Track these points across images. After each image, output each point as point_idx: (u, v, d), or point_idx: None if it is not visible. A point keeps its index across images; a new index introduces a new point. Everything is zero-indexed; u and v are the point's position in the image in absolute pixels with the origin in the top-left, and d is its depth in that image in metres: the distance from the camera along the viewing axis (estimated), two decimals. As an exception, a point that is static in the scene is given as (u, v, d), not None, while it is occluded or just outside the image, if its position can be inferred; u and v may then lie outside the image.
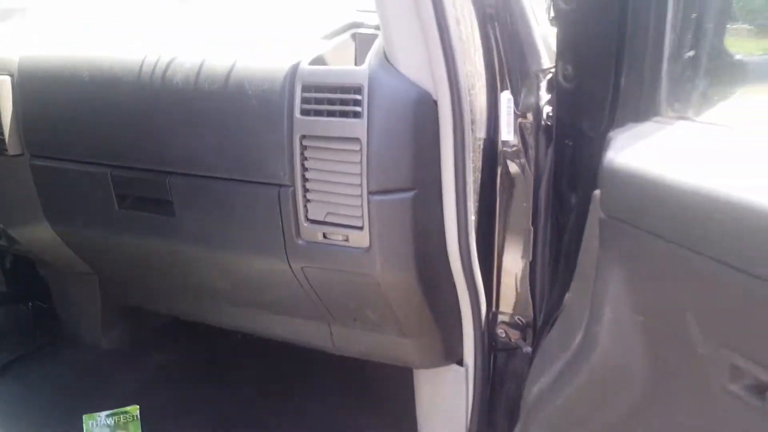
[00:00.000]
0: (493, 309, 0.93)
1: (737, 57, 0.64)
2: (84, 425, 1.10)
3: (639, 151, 0.54)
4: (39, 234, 1.05)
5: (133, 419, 1.13)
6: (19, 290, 1.34)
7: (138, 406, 1.14)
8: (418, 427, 1.03)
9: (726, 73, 0.63)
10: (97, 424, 1.11)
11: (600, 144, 0.59)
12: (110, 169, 0.91)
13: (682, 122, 0.57)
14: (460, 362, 0.93)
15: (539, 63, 0.79)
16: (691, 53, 0.58)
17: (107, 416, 1.12)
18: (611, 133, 0.59)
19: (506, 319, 0.95)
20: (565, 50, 0.66)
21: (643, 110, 0.59)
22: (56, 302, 1.29)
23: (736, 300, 0.46)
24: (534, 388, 0.77)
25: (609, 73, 0.61)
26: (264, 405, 1.20)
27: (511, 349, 0.95)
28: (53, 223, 1.02)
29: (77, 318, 1.25)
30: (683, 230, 0.49)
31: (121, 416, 1.13)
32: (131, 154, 0.88)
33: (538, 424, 0.75)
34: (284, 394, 1.21)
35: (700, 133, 0.56)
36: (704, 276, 0.48)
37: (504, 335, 0.95)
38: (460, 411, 0.95)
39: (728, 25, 0.62)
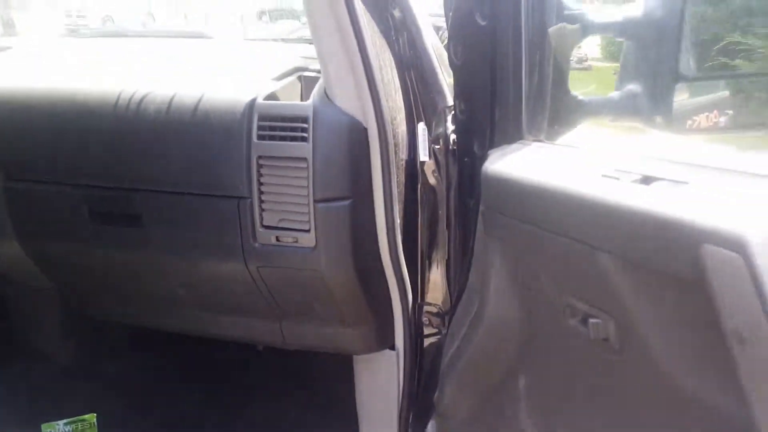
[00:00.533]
0: (419, 300, 1.17)
1: (578, 96, 0.93)
2: (43, 433, 1.23)
3: (505, 162, 0.81)
4: (6, 251, 1.20)
5: (91, 426, 1.27)
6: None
7: (95, 414, 1.28)
8: (357, 410, 1.24)
9: (569, 108, 0.92)
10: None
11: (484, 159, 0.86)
12: (84, 188, 1.09)
13: (537, 143, 0.84)
14: (392, 347, 1.16)
15: (445, 101, 1.06)
16: (542, 94, 0.86)
17: (65, 424, 1.25)
18: (490, 152, 0.85)
19: (430, 308, 1.19)
20: (459, 92, 0.93)
21: (511, 135, 0.86)
22: (14, 318, 1.41)
23: (564, 257, 0.72)
24: (448, 354, 1.01)
25: (487, 108, 0.88)
26: (215, 408, 1.37)
27: (434, 335, 1.20)
28: (22, 241, 1.17)
29: (36, 332, 1.39)
30: (533, 214, 0.75)
31: (79, 424, 1.26)
32: (105, 175, 1.07)
33: (450, 381, 0.99)
34: (235, 395, 1.39)
35: (548, 151, 0.83)
36: (546, 244, 0.74)
37: (428, 322, 1.19)
38: (393, 389, 1.17)
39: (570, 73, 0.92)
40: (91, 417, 1.27)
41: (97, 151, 1.07)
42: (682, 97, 1.08)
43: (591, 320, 0.69)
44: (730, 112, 1.05)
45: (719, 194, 0.57)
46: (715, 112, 1.05)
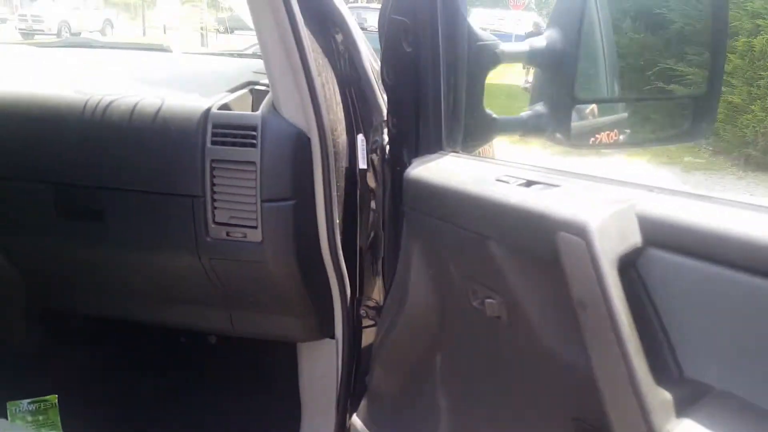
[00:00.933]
0: (357, 295, 1.29)
1: (492, 115, 1.07)
2: (8, 411, 1.30)
3: (423, 169, 0.93)
4: (-25, 244, 1.28)
5: (53, 406, 1.34)
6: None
7: (56, 396, 1.36)
8: (300, 395, 1.35)
9: (482, 125, 1.05)
10: (19, 410, 1.31)
11: (410, 167, 0.98)
12: (52, 185, 1.18)
13: (453, 154, 0.97)
14: (332, 336, 1.27)
15: (381, 115, 1.18)
16: (457, 112, 1.00)
17: (29, 403, 1.33)
18: (414, 160, 0.98)
19: (368, 303, 1.30)
20: (390, 108, 1.06)
21: (432, 147, 0.99)
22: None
23: (466, 247, 0.84)
24: (378, 339, 1.13)
25: (413, 123, 1.01)
26: (170, 395, 1.46)
27: (371, 326, 1.31)
28: (-8, 234, 1.25)
29: (2, 320, 1.45)
30: (442, 211, 0.87)
31: (41, 404, 1.34)
32: (72, 173, 1.16)
33: (378, 363, 1.11)
34: (188, 383, 1.48)
35: (460, 160, 0.96)
36: (453, 237, 0.86)
37: (365, 315, 1.30)
38: (332, 375, 1.28)
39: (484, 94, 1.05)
40: (53, 398, 1.34)
41: (65, 152, 1.16)
42: (588, 118, 1.24)
43: (487, 300, 0.81)
44: (628, 131, 1.20)
45: (578, 195, 0.71)
46: (615, 131, 1.21)
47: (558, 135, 1.06)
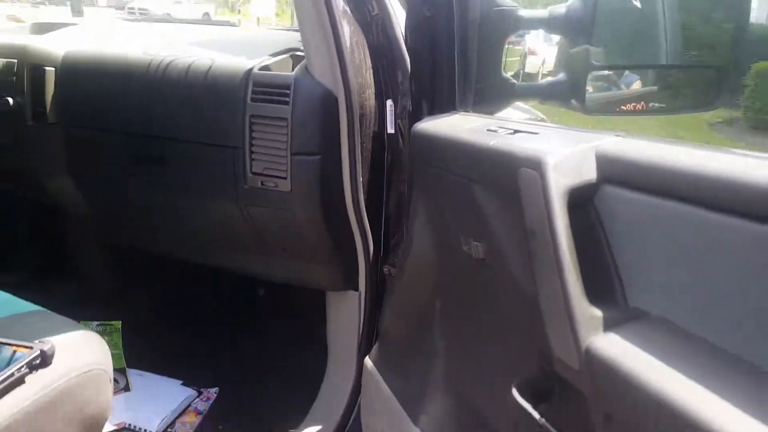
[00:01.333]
0: (381, 253, 1.35)
1: (511, 80, 1.10)
2: (79, 329, 1.49)
3: (429, 124, 0.99)
4: (63, 184, 1.48)
5: (116, 330, 1.53)
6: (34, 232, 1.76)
7: (120, 321, 1.54)
8: (327, 340, 1.44)
9: (501, 89, 1.08)
10: (90, 329, 1.50)
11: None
12: (125, 135, 1.35)
13: (463, 113, 1.02)
14: (356, 289, 1.35)
15: (408, 83, 1.25)
16: (470, 76, 1.04)
17: (97, 325, 1.52)
18: (425, 118, 1.04)
19: (391, 262, 1.37)
20: (412, 71, 1.12)
21: (446, 107, 1.04)
22: (62, 241, 1.70)
23: (456, 192, 0.89)
24: (390, 290, 1.19)
25: (429, 86, 1.06)
26: (218, 334, 1.60)
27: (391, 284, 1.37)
28: (74, 175, 1.44)
29: (77, 254, 1.66)
30: (439, 160, 0.92)
31: (108, 327, 1.52)
32: (141, 124, 1.32)
33: (388, 309, 1.17)
34: (237, 324, 1.62)
35: (467, 117, 1.01)
36: (447, 183, 0.91)
37: (387, 272, 1.37)
38: (354, 324, 1.36)
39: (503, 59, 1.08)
40: (117, 323, 1.52)
41: (134, 105, 1.32)
42: (614, 89, 1.24)
43: (473, 243, 0.86)
44: (656, 104, 1.19)
45: (550, 139, 0.74)
46: (642, 103, 1.20)
47: (574, 101, 1.07)
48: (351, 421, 1.35)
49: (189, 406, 1.43)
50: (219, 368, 1.55)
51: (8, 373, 0.80)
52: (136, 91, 1.32)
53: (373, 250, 1.30)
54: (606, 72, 1.24)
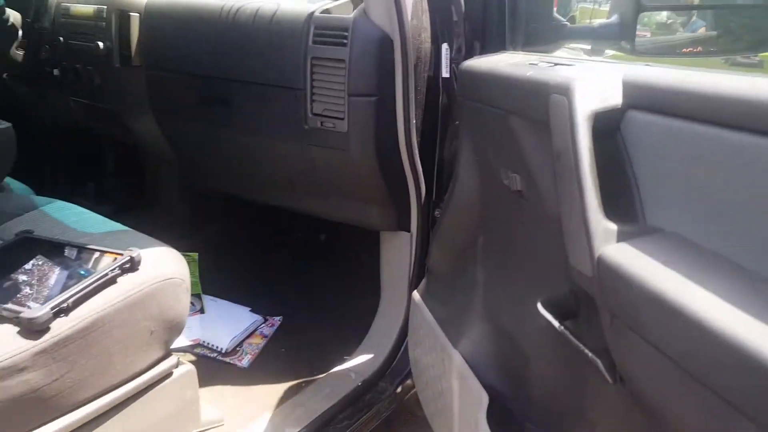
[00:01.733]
0: (433, 196, 1.41)
1: (562, 21, 1.11)
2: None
3: (477, 62, 1.02)
4: (146, 125, 1.64)
5: (194, 261, 1.69)
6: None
7: (197, 253, 1.70)
8: (380, 277, 1.53)
9: (552, 30, 1.10)
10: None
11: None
12: (197, 77, 1.47)
13: (512, 52, 1.05)
14: (408, 230, 1.42)
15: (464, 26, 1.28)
16: (519, 17, 1.06)
17: (177, 255, 1.68)
18: (476, 57, 1.08)
19: (441, 204, 1.43)
20: (466, 14, 1.15)
21: (496, 47, 1.07)
22: (148, 182, 1.88)
23: (496, 126, 0.93)
24: (436, 227, 1.26)
25: (482, 27, 1.09)
26: (280, 264, 1.74)
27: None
28: (156, 116, 1.59)
29: (161, 195, 1.84)
30: (480, 94, 0.96)
31: (186, 257, 1.67)
32: (210, 67, 1.44)
33: (435, 245, 1.24)
34: (294, 251, 1.75)
35: (515, 56, 1.04)
36: (488, 117, 0.95)
37: (438, 215, 1.43)
38: (406, 263, 1.44)
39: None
40: (195, 255, 1.68)
41: (207, 49, 1.44)
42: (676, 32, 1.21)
43: (511, 175, 0.91)
44: (713, 49, 1.16)
45: (580, 70, 0.77)
46: (699, 48, 1.17)
47: (623, 43, 1.07)
48: (401, 352, 1.45)
49: (255, 330, 1.58)
50: (283, 299, 1.70)
51: (103, 273, 0.95)
52: (208, 36, 1.43)
53: (425, 193, 1.36)
54: (666, 20, 1.22)
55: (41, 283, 0.96)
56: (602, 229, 0.63)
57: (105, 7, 1.59)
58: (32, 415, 0.90)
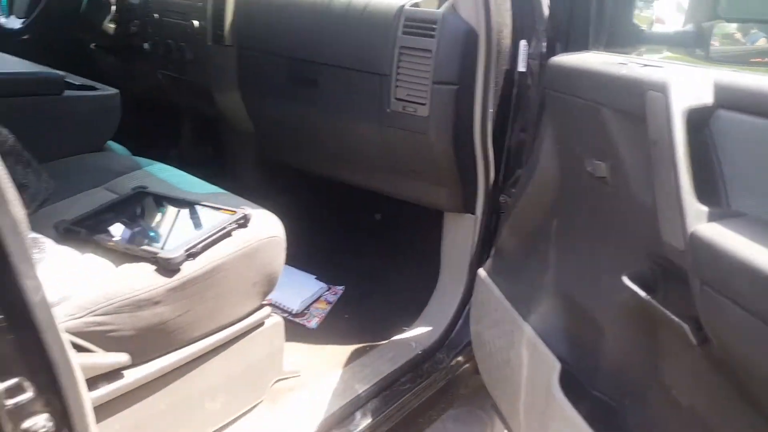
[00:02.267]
0: (500, 182, 1.53)
1: (640, 26, 1.21)
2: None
3: (565, 58, 1.13)
4: (231, 100, 1.78)
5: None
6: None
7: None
8: (441, 256, 1.65)
9: (630, 34, 1.20)
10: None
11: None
12: (286, 59, 1.60)
13: (595, 51, 1.15)
14: (474, 213, 1.54)
15: (544, 25, 1.38)
16: (603, 20, 1.16)
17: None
18: (560, 55, 1.18)
19: (508, 191, 1.54)
20: (551, 13, 1.26)
21: (580, 47, 1.18)
22: (227, 152, 2.02)
23: (583, 116, 1.03)
24: (508, 210, 1.37)
25: (566, 28, 1.20)
26: (345, 236, 1.86)
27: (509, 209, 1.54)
28: (242, 92, 1.73)
29: (239, 165, 1.98)
30: (568, 86, 1.07)
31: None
32: (300, 50, 1.57)
33: (506, 225, 1.36)
34: (359, 225, 1.87)
35: (602, 56, 1.14)
36: (575, 108, 1.06)
37: (504, 201, 1.54)
38: (468, 245, 1.56)
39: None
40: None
41: (299, 33, 1.57)
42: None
43: (596, 162, 1.01)
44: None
45: (672, 71, 0.87)
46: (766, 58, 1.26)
47: (698, 51, 1.17)
48: (458, 326, 1.57)
49: (321, 296, 1.71)
50: (346, 269, 1.83)
51: (222, 226, 1.09)
52: (300, 22, 1.57)
53: (493, 179, 1.48)
54: (733, 31, 1.31)
55: (167, 230, 1.10)
56: (694, 209, 0.74)
57: (204, -13, 1.73)
58: (157, 344, 1.04)
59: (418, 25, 1.38)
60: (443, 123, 1.42)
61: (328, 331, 1.61)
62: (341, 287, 1.77)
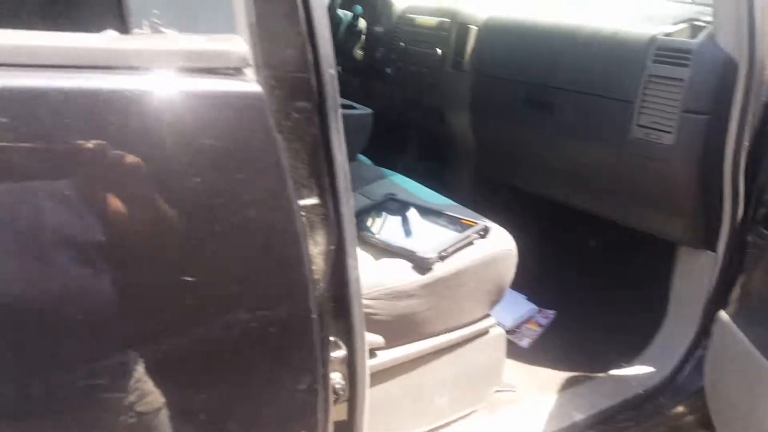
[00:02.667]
0: (749, 220, 1.44)
1: None
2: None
3: None
4: (459, 119, 1.93)
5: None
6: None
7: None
8: (669, 291, 1.60)
9: None
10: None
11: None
12: (522, 84, 1.71)
13: None
14: (714, 249, 1.47)
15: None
16: None
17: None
18: None
19: (759, 229, 1.44)
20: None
21: None
22: (449, 169, 2.20)
23: None
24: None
25: None
26: (562, 259, 1.91)
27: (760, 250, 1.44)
28: (471, 113, 1.88)
29: (457, 180, 2.13)
30: None
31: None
32: (538, 75, 1.67)
33: (759, 266, 1.28)
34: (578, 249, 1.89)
35: None
36: None
37: (753, 241, 1.45)
38: (705, 281, 1.49)
39: None
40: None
41: (537, 59, 1.67)
42: None
43: None
44: None
45: None
46: None
47: None
48: (686, 371, 1.50)
49: (532, 317, 1.77)
50: (558, 294, 1.85)
51: (466, 235, 1.22)
52: (540, 48, 1.66)
53: (741, 215, 1.40)
54: None
55: (418, 233, 1.26)
56: None
57: (448, 20, 1.92)
58: (405, 332, 1.19)
59: (672, 54, 1.38)
60: (690, 152, 1.39)
61: (541, 354, 1.65)
62: (552, 312, 1.80)
